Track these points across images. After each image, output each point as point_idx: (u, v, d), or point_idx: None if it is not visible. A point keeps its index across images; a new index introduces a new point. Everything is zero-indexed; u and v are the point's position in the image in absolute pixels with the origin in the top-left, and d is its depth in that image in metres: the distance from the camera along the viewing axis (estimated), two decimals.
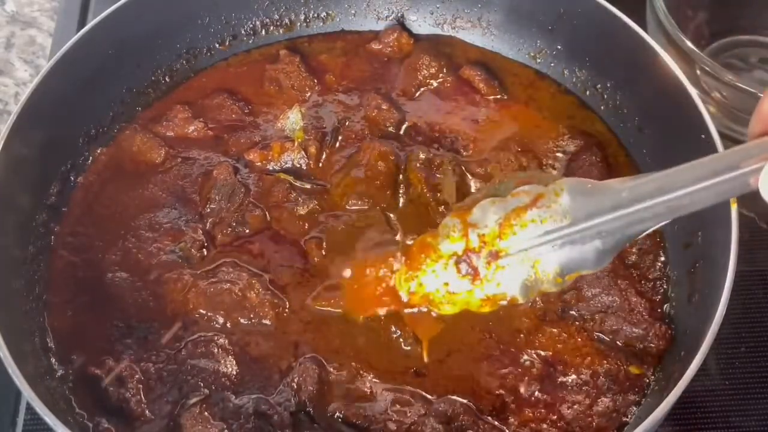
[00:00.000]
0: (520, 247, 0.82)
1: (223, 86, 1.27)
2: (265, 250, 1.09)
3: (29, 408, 1.10)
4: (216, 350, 1.01)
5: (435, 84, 1.25)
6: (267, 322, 1.04)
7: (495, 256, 0.83)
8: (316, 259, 1.08)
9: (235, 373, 1.00)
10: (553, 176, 0.82)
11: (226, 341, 1.02)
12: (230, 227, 1.11)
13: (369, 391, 0.99)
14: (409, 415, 0.97)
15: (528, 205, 0.79)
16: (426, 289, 0.91)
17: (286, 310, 1.04)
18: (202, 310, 1.04)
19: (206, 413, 0.95)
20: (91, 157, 1.18)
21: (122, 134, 1.21)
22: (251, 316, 1.04)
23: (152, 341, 1.03)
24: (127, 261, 1.09)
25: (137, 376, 0.99)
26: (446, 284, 0.89)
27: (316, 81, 1.26)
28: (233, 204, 1.13)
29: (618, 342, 1.03)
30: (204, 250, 1.09)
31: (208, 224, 1.12)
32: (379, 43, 1.30)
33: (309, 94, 1.25)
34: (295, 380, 0.98)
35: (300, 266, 1.07)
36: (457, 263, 0.85)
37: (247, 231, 1.11)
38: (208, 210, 1.13)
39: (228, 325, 1.04)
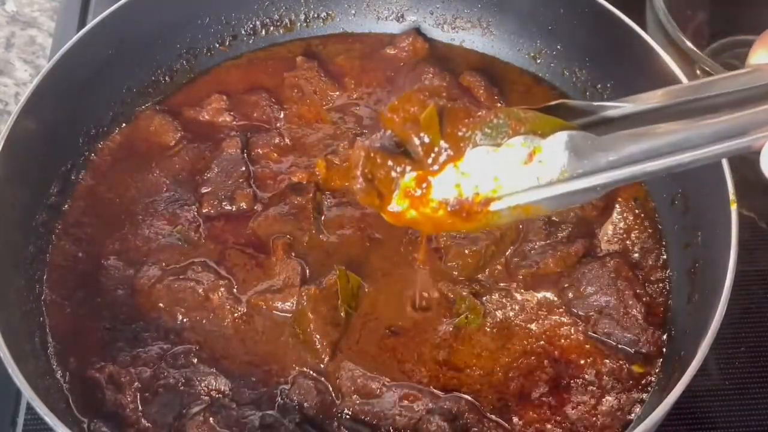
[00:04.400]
0: (512, 202, 0.77)
1: (259, 84, 1.28)
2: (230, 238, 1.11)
3: (29, 408, 1.10)
4: (195, 361, 1.01)
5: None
6: (226, 325, 1.04)
7: (486, 204, 0.78)
8: (274, 259, 1.08)
9: (224, 384, 1.00)
10: (552, 121, 0.75)
11: (202, 353, 1.02)
12: (218, 200, 1.13)
13: (378, 388, 0.99)
14: (416, 409, 0.97)
15: (525, 161, 0.74)
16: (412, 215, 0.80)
17: (244, 316, 1.05)
18: (161, 305, 1.05)
19: (211, 420, 0.95)
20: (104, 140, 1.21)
21: (142, 114, 1.23)
22: (211, 317, 1.05)
23: (143, 340, 1.03)
24: (125, 249, 1.10)
25: (136, 384, 0.99)
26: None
27: (337, 85, 1.27)
28: (229, 178, 1.13)
29: (613, 342, 1.03)
30: (201, 230, 1.11)
31: (201, 192, 1.14)
32: (395, 48, 1.30)
33: (333, 98, 1.26)
34: (295, 399, 0.98)
35: (255, 263, 1.09)
36: (447, 205, 0.78)
37: (233, 209, 1.12)
38: (204, 178, 1.14)
39: (186, 321, 1.04)
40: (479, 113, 0.74)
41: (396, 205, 0.76)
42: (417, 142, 0.74)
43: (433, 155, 0.74)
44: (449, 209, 0.75)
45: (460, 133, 0.74)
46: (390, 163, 0.75)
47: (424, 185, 0.75)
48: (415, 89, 0.77)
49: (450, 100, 0.75)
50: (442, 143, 0.74)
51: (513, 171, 0.73)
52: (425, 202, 0.75)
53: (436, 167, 0.74)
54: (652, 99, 0.77)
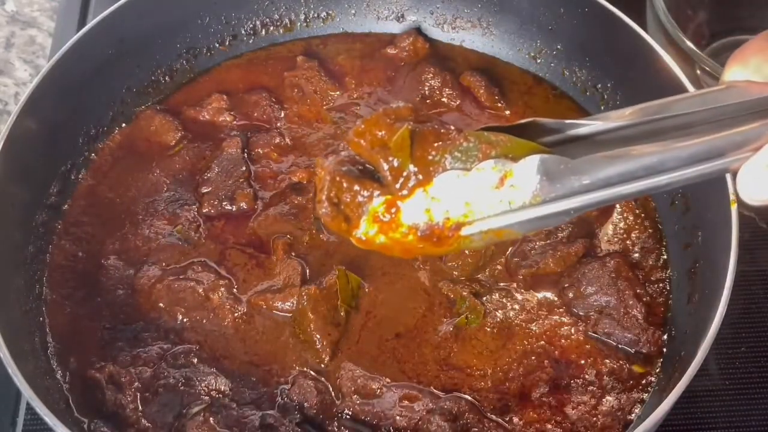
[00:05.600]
0: (483, 227, 0.75)
1: (259, 83, 1.28)
2: (231, 239, 1.11)
3: (29, 408, 1.10)
4: (195, 361, 1.01)
5: (438, 96, 1.25)
6: (226, 325, 1.04)
7: (457, 228, 0.75)
8: (275, 258, 1.08)
9: (224, 384, 1.00)
10: (524, 144, 0.73)
11: (202, 353, 1.02)
12: (218, 199, 1.13)
13: (378, 388, 0.99)
14: (417, 409, 0.97)
15: (496, 185, 0.72)
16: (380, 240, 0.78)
17: (244, 315, 1.05)
18: (161, 304, 1.05)
19: (211, 420, 0.95)
20: (105, 139, 1.21)
21: (143, 113, 1.23)
22: (211, 317, 1.05)
23: (143, 340, 1.03)
24: (125, 249, 1.10)
25: (136, 384, 0.98)
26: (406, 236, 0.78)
27: (337, 85, 1.27)
28: (230, 178, 1.14)
29: (613, 342, 1.03)
30: (201, 229, 1.11)
31: (202, 191, 1.14)
32: (395, 47, 1.30)
33: (333, 97, 1.26)
34: (295, 399, 0.98)
35: (255, 263, 1.09)
36: (417, 230, 0.76)
37: (233, 209, 1.12)
38: (205, 178, 1.15)
39: (186, 321, 1.04)
40: (450, 135, 0.73)
41: (364, 229, 0.74)
42: (386, 166, 0.72)
43: (402, 180, 0.72)
44: (419, 234, 0.73)
45: (429, 157, 0.72)
46: (356, 187, 0.73)
47: (393, 210, 0.73)
48: (381, 113, 0.75)
49: (418, 122, 0.74)
50: (411, 167, 0.72)
51: (484, 195, 0.72)
52: (395, 227, 0.73)
53: (405, 192, 0.72)
54: (622, 117, 0.76)
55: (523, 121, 0.76)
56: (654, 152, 0.71)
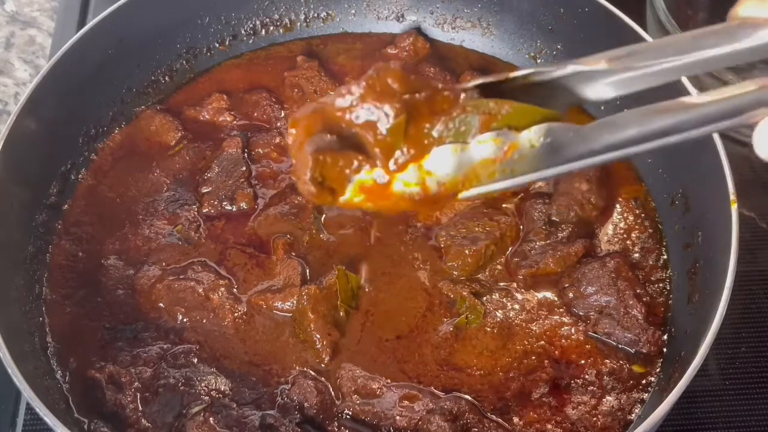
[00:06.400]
0: (482, 191, 0.71)
1: (259, 83, 1.29)
2: (231, 238, 1.11)
3: (29, 408, 1.10)
4: (195, 361, 1.01)
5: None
6: (226, 324, 1.04)
7: (453, 196, 0.71)
8: (275, 258, 1.09)
9: (224, 384, 1.00)
10: (529, 110, 0.68)
11: (202, 353, 1.02)
12: (218, 199, 1.13)
13: (378, 388, 0.99)
14: (417, 410, 0.97)
15: (499, 156, 0.67)
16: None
17: (244, 315, 1.05)
18: (161, 304, 1.05)
19: (211, 420, 0.95)
20: (105, 139, 1.21)
21: (143, 113, 1.23)
22: (211, 317, 1.05)
23: (143, 340, 1.03)
24: (125, 249, 1.11)
25: (136, 384, 0.98)
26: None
27: (337, 85, 1.27)
28: (230, 178, 1.14)
29: (613, 342, 1.03)
30: (201, 229, 1.12)
31: (202, 191, 1.14)
32: (395, 47, 1.30)
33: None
34: (295, 399, 0.98)
35: (255, 262, 1.09)
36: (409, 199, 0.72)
37: (233, 209, 1.12)
38: (205, 178, 1.15)
39: (186, 321, 1.04)
40: (446, 99, 0.67)
41: (349, 197, 0.70)
42: (376, 149, 0.68)
43: (393, 159, 0.68)
44: (410, 199, 0.69)
45: (425, 130, 0.67)
46: (341, 163, 0.68)
47: (385, 182, 0.69)
48: (366, 87, 0.68)
49: (411, 92, 0.68)
50: (404, 148, 0.68)
51: (484, 166, 0.68)
52: (385, 196, 0.69)
53: (395, 167, 0.68)
54: (601, 60, 0.70)
55: (519, 72, 0.71)
56: (668, 114, 0.68)
